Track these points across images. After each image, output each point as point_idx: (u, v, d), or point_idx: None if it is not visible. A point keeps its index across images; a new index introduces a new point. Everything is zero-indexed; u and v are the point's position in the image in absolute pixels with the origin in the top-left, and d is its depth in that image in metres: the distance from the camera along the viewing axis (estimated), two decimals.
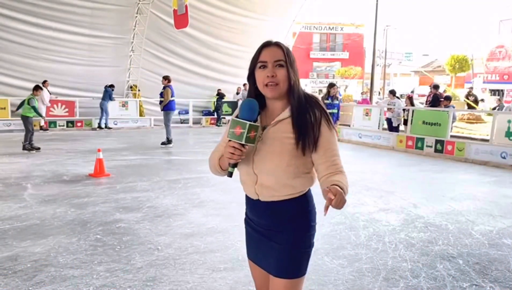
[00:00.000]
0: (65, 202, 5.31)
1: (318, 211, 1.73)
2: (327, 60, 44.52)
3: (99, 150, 7.01)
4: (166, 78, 10.95)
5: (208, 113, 17.79)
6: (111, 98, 14.86)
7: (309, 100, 1.67)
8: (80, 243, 3.92)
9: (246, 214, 1.87)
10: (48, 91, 13.86)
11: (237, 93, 17.92)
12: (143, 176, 7.07)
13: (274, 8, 17.15)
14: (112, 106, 15.24)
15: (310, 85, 40.39)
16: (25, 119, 9.47)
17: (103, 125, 14.97)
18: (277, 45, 1.66)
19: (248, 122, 1.55)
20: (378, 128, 12.11)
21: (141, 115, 16.24)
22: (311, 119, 1.62)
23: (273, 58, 1.63)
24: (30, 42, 14.07)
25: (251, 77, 1.70)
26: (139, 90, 16.55)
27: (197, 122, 17.41)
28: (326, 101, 10.38)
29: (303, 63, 41.66)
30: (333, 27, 44.48)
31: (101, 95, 14.72)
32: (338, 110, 10.91)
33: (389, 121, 12.80)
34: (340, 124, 13.99)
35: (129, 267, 3.39)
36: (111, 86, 15.01)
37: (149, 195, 5.79)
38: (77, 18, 14.38)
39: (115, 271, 3.30)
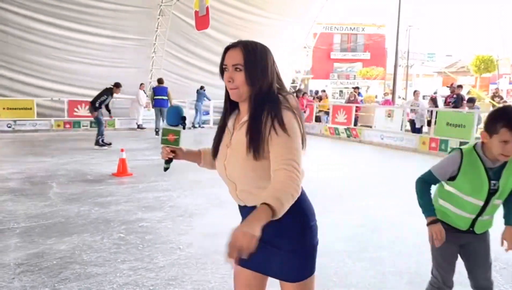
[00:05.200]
0: (88, 201, 5.40)
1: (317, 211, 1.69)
2: (348, 60, 44.20)
3: (122, 150, 7.11)
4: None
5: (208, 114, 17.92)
6: (208, 98, 15.93)
7: (273, 102, 1.56)
8: (103, 241, 3.98)
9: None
10: (145, 92, 14.86)
11: None
12: (164, 176, 7.13)
13: (294, 9, 17.10)
14: (135, 107, 15.55)
15: (331, 86, 40.13)
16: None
17: (196, 125, 16.11)
18: (239, 47, 1.59)
19: (166, 127, 1.75)
20: (401, 130, 11.94)
21: None
22: (261, 123, 1.54)
23: (232, 61, 1.57)
24: (54, 43, 14.39)
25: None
26: None
27: (217, 123, 17.49)
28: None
29: (323, 64, 41.49)
30: (354, 28, 44.15)
31: (125, 96, 15.11)
32: None
33: (412, 122, 12.62)
34: (361, 125, 13.89)
35: (152, 266, 3.42)
36: (202, 87, 16.08)
37: (171, 195, 5.84)
38: (101, 20, 14.63)
39: (138, 270, 3.34)
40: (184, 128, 1.78)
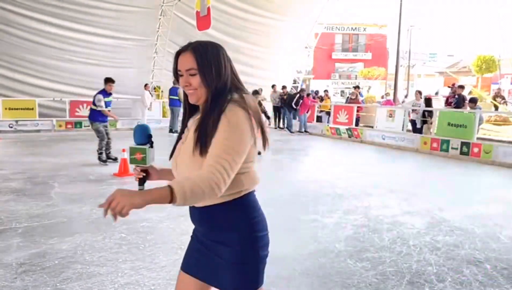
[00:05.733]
0: (90, 201, 5.41)
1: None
2: (350, 61, 44.18)
3: (123, 150, 7.13)
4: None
5: None
6: None
7: (226, 100, 1.52)
8: (105, 241, 3.99)
9: None
10: (150, 93, 14.86)
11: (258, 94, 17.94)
12: None
13: (296, 9, 17.12)
14: (136, 107, 15.58)
15: (332, 86, 40.10)
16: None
17: None
18: (189, 51, 1.56)
19: (132, 147, 1.71)
20: (402, 130, 11.93)
21: (164, 116, 16.42)
22: (209, 119, 1.50)
23: (185, 66, 1.55)
24: (56, 44, 14.43)
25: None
26: (162, 92, 16.75)
27: None
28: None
29: (325, 64, 41.48)
30: (355, 28, 44.13)
31: (123, 96, 15.08)
32: None
33: (413, 122, 12.60)
34: (363, 125, 13.88)
35: (153, 266, 3.43)
36: None
37: None
38: (102, 20, 14.67)
39: (139, 269, 3.35)
40: (151, 146, 1.73)
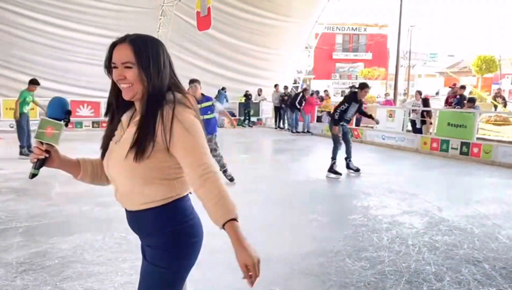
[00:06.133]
0: (90, 201, 5.43)
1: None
2: (350, 61, 44.19)
3: None
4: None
5: (230, 114, 17.94)
6: (226, 100, 15.92)
7: (170, 101, 1.45)
8: (105, 240, 4.00)
9: None
10: None
11: (259, 95, 17.96)
12: None
13: (298, 9, 17.15)
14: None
15: (333, 86, 40.12)
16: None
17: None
18: (127, 42, 1.46)
19: (45, 119, 1.47)
20: (402, 130, 11.94)
21: None
22: (155, 123, 1.42)
23: (121, 59, 1.44)
24: (57, 44, 14.46)
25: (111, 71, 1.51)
26: None
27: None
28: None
29: (325, 64, 41.49)
30: (356, 28, 44.15)
31: None
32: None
33: (413, 122, 12.62)
34: (363, 126, 13.89)
35: None
36: (223, 88, 16.15)
37: None
38: (103, 20, 14.70)
39: (139, 269, 3.35)
40: (67, 125, 1.51)
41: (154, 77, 1.45)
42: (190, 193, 1.61)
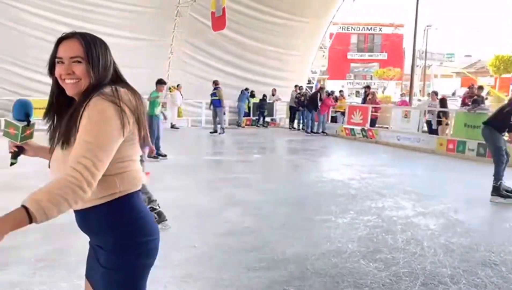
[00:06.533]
0: None
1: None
2: (365, 61, 43.89)
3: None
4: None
5: (245, 114, 17.94)
6: (248, 100, 16.18)
7: (96, 93, 1.40)
8: None
9: None
10: (181, 94, 15.16)
11: (273, 95, 17.95)
12: (180, 175, 7.23)
13: (313, 9, 17.09)
14: (172, 108, 15.84)
15: (347, 87, 39.89)
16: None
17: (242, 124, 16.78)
18: (76, 38, 1.46)
19: (8, 120, 1.66)
20: (418, 131, 11.82)
21: (179, 116, 16.54)
22: (76, 113, 1.39)
23: (69, 54, 1.43)
24: None
25: (53, 70, 1.49)
26: None
27: (232, 123, 17.58)
28: None
29: (340, 64, 41.27)
30: (371, 28, 43.84)
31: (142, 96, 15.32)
32: None
33: (429, 123, 12.48)
34: (378, 126, 13.78)
35: (167, 263, 3.47)
36: (247, 89, 16.46)
37: (187, 193, 5.90)
38: (119, 21, 14.82)
39: (153, 267, 3.38)
40: (28, 125, 1.64)
41: (100, 73, 1.46)
42: (141, 191, 1.60)
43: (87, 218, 1.50)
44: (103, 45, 1.52)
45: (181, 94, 15.45)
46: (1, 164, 2.69)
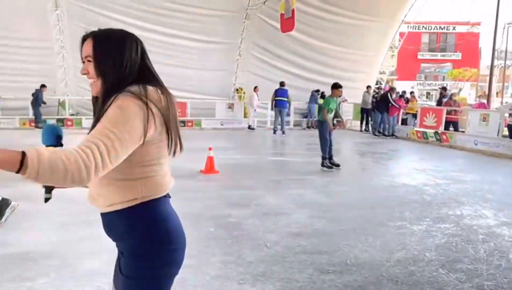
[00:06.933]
0: (179, 196, 5.65)
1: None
2: (437, 61, 41.91)
3: (210, 149, 7.39)
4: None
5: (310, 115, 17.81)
6: (316, 102, 16.37)
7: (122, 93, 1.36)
8: (194, 234, 4.17)
9: None
10: (257, 96, 15.58)
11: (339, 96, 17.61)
12: (249, 174, 7.33)
13: (383, 9, 16.61)
14: (220, 108, 16.22)
15: (417, 88, 38.28)
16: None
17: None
18: (90, 37, 1.43)
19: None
20: (497, 135, 11.05)
21: (245, 116, 16.77)
22: (97, 119, 1.36)
23: (84, 54, 1.43)
24: (148, 47, 15.31)
25: None
26: (244, 93, 17.12)
27: (297, 124, 17.53)
28: None
29: (409, 65, 39.72)
30: (444, 27, 41.79)
31: (208, 97, 16.08)
32: None
33: (510, 127, 11.62)
34: (452, 130, 13.05)
35: (240, 261, 3.53)
36: (317, 90, 16.59)
37: (256, 193, 5.97)
38: (192, 24, 15.32)
39: (228, 264, 3.47)
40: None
41: (112, 72, 1.40)
42: (169, 196, 1.55)
43: (110, 223, 1.48)
44: (119, 41, 1.44)
45: (257, 96, 15.65)
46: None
